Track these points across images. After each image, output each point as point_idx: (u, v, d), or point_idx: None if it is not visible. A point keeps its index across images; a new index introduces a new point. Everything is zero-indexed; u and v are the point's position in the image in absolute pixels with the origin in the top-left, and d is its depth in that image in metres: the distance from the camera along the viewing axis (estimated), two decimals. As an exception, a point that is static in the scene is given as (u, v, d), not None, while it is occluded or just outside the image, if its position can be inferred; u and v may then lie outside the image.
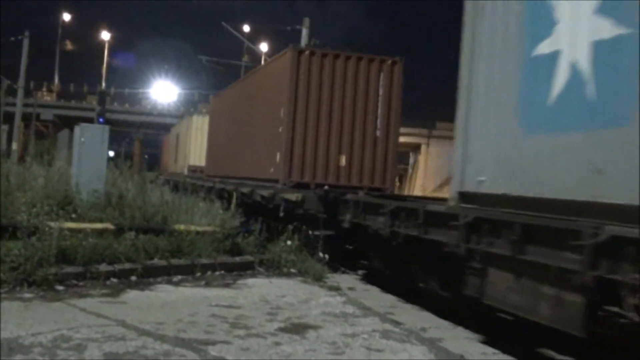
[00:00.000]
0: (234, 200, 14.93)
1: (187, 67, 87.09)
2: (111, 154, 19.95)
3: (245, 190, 16.07)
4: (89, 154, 12.43)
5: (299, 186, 13.97)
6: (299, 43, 28.66)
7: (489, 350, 7.13)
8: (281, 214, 13.11)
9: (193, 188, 18.95)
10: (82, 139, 12.60)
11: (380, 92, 14.63)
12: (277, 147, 14.81)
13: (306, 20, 31.81)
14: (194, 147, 32.25)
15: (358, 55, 14.76)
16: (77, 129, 13.01)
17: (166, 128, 53.32)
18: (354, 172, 14.49)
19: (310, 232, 12.66)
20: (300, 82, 14.44)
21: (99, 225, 9.99)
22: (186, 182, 21.95)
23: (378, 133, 14.62)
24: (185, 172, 31.72)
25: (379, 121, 14.64)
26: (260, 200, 14.71)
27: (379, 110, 14.64)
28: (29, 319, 6.55)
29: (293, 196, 12.87)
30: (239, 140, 19.67)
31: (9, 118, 49.91)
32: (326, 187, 13.25)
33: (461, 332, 7.95)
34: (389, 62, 14.74)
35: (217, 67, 56.92)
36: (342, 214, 11.87)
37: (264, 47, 61.82)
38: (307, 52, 14.74)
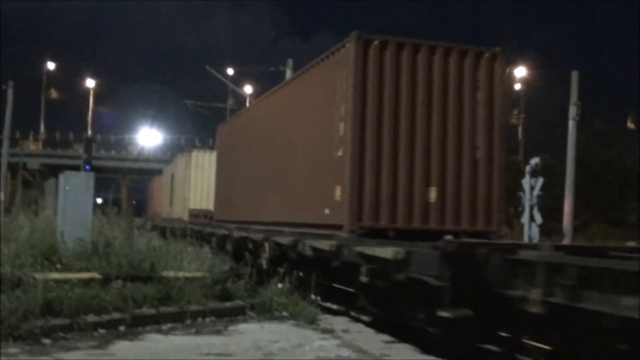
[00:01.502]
0: (266, 255, 13.27)
1: (173, 112, 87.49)
2: (99, 201, 19.85)
3: (284, 241, 12.52)
4: (74, 202, 12.27)
5: (372, 234, 10.37)
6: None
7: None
8: (363, 279, 9.37)
9: (199, 237, 18.14)
10: (67, 187, 12.46)
11: (478, 96, 11.12)
12: (336, 178, 11.07)
13: (289, 61, 31.88)
14: (194, 187, 28.11)
15: (446, 46, 11.14)
16: (61, 177, 12.87)
17: (153, 173, 53.17)
18: (448, 210, 10.88)
19: (300, 274, 12.27)
20: (368, 85, 10.79)
21: (85, 275, 9.81)
22: (190, 230, 20.84)
23: (478, 154, 11.02)
24: (186, 217, 27.81)
25: (478, 137, 11.05)
26: (313, 255, 11.28)
27: (478, 122, 11.06)
28: (14, 375, 6.35)
29: (387, 253, 8.57)
30: (268, 173, 15.51)
31: (-6, 168, 49.66)
32: (448, 237, 7.99)
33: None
34: (488, 54, 11.22)
35: (202, 111, 56.98)
36: (516, 286, 7.23)
37: (248, 89, 61.99)
38: (376, 43, 10.89)
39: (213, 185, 24.48)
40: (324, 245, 10.56)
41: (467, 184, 10.92)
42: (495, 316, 7.90)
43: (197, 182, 27.90)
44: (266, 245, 13.43)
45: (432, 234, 9.66)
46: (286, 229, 13.18)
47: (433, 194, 10.73)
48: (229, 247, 16.68)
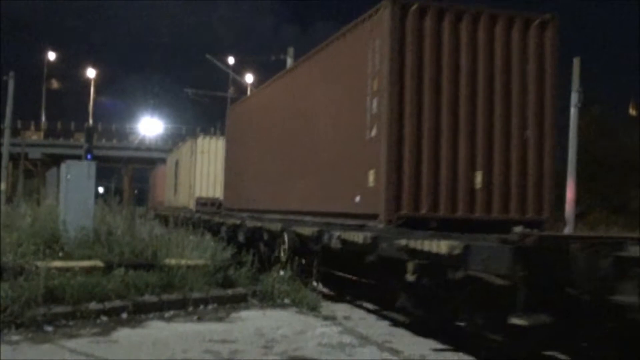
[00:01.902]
0: (284, 247, 12.24)
1: (174, 101, 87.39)
2: (101, 190, 19.82)
3: (306, 231, 11.32)
4: (75, 191, 12.27)
5: (411, 224, 9.29)
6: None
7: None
8: (409, 277, 7.96)
9: (207, 226, 17.35)
10: (68, 176, 12.45)
11: (529, 68, 9.97)
12: (368, 161, 9.88)
13: (290, 50, 31.77)
14: (200, 175, 26.96)
15: (491, 12, 10.00)
16: (62, 167, 12.87)
17: (154, 162, 53.16)
18: (496, 196, 9.75)
19: (302, 261, 12.32)
20: (406, 56, 9.62)
21: (87, 263, 9.81)
22: (198, 220, 19.39)
23: (528, 134, 9.91)
24: (192, 206, 26.78)
25: (528, 115, 9.93)
26: (341, 248, 10.06)
27: (528, 99, 9.91)
28: (17, 362, 6.36)
29: (440, 247, 7.26)
30: (286, 158, 14.13)
31: (-4, 158, 49.69)
32: (519, 229, 6.70)
33: (463, 357, 7.79)
34: (537, 22, 10.05)
35: (202, 100, 56.94)
36: (624, 290, 6.01)
37: (249, 78, 61.97)
38: (415, 8, 9.72)
39: (220, 172, 23.75)
40: (357, 237, 9.22)
41: (516, 167, 9.77)
42: (581, 323, 6.74)
43: (203, 169, 26.86)
44: (285, 236, 12.30)
45: (478, 224, 8.99)
46: (307, 219, 12.25)
47: (479, 178, 9.63)
48: (241, 237, 15.69)
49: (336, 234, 10.10)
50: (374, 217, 9.66)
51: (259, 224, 14.44)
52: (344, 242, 9.82)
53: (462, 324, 7.96)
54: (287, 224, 12.68)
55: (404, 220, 9.40)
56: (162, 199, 39.64)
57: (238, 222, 16.27)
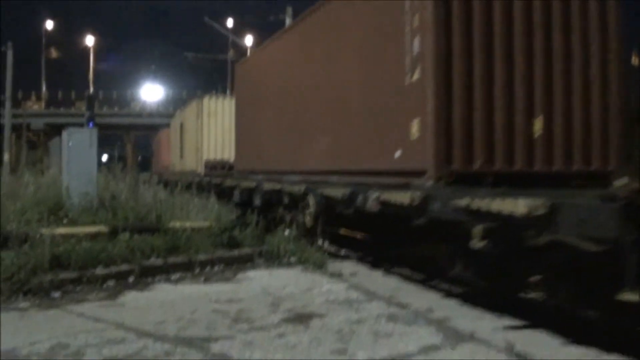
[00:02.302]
0: (310, 211, 11.44)
1: (174, 67, 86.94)
2: (105, 158, 19.82)
3: (337, 193, 10.14)
4: (78, 158, 12.24)
5: (464, 180, 7.85)
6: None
7: (501, 325, 6.97)
8: (477, 245, 6.81)
9: (218, 190, 17.19)
10: (70, 143, 12.43)
11: None
12: (410, 110, 8.39)
13: (289, 9, 31.53)
14: (208, 137, 25.71)
15: None
16: (64, 134, 12.84)
17: (156, 128, 53.03)
18: (557, 146, 8.30)
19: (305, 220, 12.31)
20: None
21: (92, 229, 9.80)
22: (207, 184, 19.24)
23: (591, 73, 8.37)
24: (200, 169, 25.42)
25: (591, 52, 8.37)
26: (380, 211, 8.97)
27: (590, 32, 8.37)
28: (25, 328, 6.37)
29: (518, 207, 6.17)
30: (308, 113, 12.40)
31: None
32: (622, 182, 6.07)
33: (469, 311, 7.79)
34: None
35: (203, 64, 56.66)
36: None
37: (249, 40, 61.56)
38: None
39: (229, 133, 22.75)
40: (402, 197, 8.11)
41: (578, 112, 8.37)
42: None
43: (210, 131, 25.73)
44: (310, 199, 11.40)
45: (537, 178, 7.98)
46: (333, 179, 10.90)
47: (538, 126, 8.23)
48: (257, 201, 14.68)
49: (374, 194, 9.03)
50: (419, 174, 8.21)
51: (278, 186, 13.31)
52: (384, 204, 8.74)
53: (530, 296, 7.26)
54: (311, 186, 11.61)
55: (456, 175, 7.97)
56: (167, 164, 38.27)
57: (253, 184, 15.17)
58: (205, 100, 26.19)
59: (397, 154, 8.81)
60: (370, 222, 10.61)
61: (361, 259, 11.74)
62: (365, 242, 12.51)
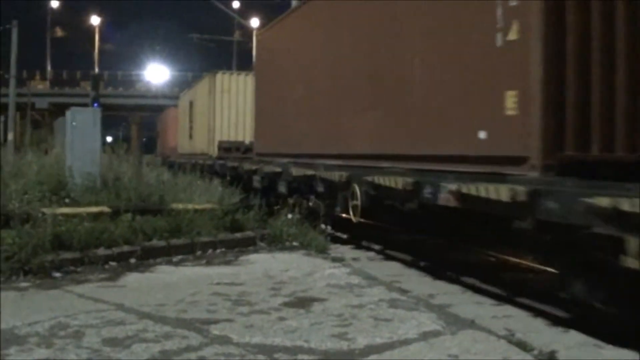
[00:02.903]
0: (356, 203, 9.92)
1: (179, 47, 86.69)
2: (109, 139, 19.81)
3: (393, 183, 8.47)
4: (81, 138, 12.22)
5: (577, 170, 5.87)
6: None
7: (501, 312, 6.97)
8: (629, 262, 5.00)
9: (235, 175, 16.21)
10: (74, 123, 12.40)
11: None
12: (504, 78, 6.68)
13: (296, -9, 31.33)
14: (221, 116, 24.01)
15: None
16: (68, 114, 12.80)
17: (161, 110, 52.99)
18: None
19: (310, 204, 12.18)
20: None
21: (94, 209, 9.79)
22: (222, 167, 18.68)
23: None
24: (212, 151, 23.69)
25: None
26: (459, 206, 7.21)
27: None
28: (25, 308, 6.36)
29: None
30: (349, 85, 10.73)
31: (4, 109, 49.65)
32: None
33: (470, 297, 7.80)
34: None
35: (208, 45, 56.52)
36: None
37: (255, 22, 61.37)
38: None
39: (245, 112, 22.53)
40: (497, 192, 6.34)
41: None
42: None
43: (223, 110, 24.09)
44: (356, 188, 9.89)
45: None
46: (384, 165, 9.22)
47: None
48: (282, 188, 13.57)
49: (448, 186, 7.30)
50: (515, 160, 6.44)
51: (310, 172, 11.87)
52: (465, 198, 6.99)
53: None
54: (356, 172, 10.10)
55: (567, 161, 6.08)
56: (174, 146, 37.26)
57: (278, 169, 13.72)
58: (219, 75, 24.50)
59: (481, 135, 7.05)
60: (440, 221, 9.10)
61: (362, 244, 11.75)
62: (369, 228, 12.50)
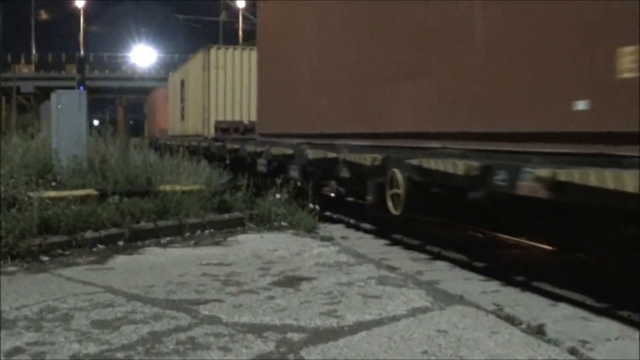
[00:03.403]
0: (399, 191, 8.07)
1: (165, 29, 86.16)
2: (96, 122, 19.61)
3: (454, 167, 6.77)
4: (67, 121, 12.13)
5: None
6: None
7: (489, 288, 7.01)
8: None
9: (236, 158, 15.50)
10: (59, 106, 12.31)
11: None
12: (615, 30, 5.00)
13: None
14: (216, 94, 22.39)
15: None
16: (53, 97, 12.72)
17: (147, 92, 52.74)
18: None
19: (297, 183, 12.13)
20: None
21: (81, 192, 9.75)
22: (220, 150, 17.44)
23: None
24: (208, 132, 22.10)
25: None
26: (551, 197, 5.64)
27: None
28: (13, 292, 6.33)
29: None
30: (382, 48, 8.92)
31: (-12, 93, 49.43)
32: None
33: (459, 273, 7.83)
34: None
35: (194, 25, 56.23)
36: None
37: (241, 3, 61.07)
38: None
39: (241, 89, 21.55)
40: (624, 181, 4.74)
41: None
42: None
43: (219, 87, 22.45)
44: (397, 174, 8.10)
45: None
46: (433, 145, 7.50)
47: None
48: (293, 172, 12.20)
49: (535, 171, 5.72)
50: (630, 138, 4.85)
51: (331, 155, 10.26)
52: (561, 187, 5.42)
53: None
54: (394, 155, 8.37)
55: None
56: (163, 127, 35.77)
57: (289, 151, 12.11)
58: (213, 50, 22.87)
59: (580, 105, 5.47)
60: (516, 215, 7.85)
61: (350, 223, 11.76)
62: (357, 206, 12.51)
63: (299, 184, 11.98)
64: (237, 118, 21.70)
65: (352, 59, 9.98)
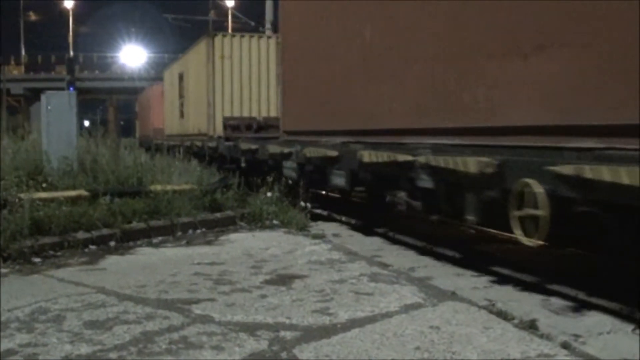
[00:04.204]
0: (542, 212, 5.38)
1: (154, 29, 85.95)
2: (87, 123, 19.47)
3: None
4: (57, 122, 12.11)
5: None
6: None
7: (481, 283, 7.02)
8: None
9: (252, 160, 13.71)
10: (49, 107, 12.28)
11: None
12: None
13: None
14: (221, 87, 19.86)
15: None
16: (43, 98, 12.68)
17: (138, 92, 52.59)
18: None
19: (289, 182, 12.05)
20: None
21: (72, 193, 9.73)
22: (232, 150, 15.31)
23: None
24: (213, 131, 19.60)
25: None
26: None
27: None
28: (5, 294, 6.31)
29: None
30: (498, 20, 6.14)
31: (-22, 95, 49.27)
32: None
33: (450, 269, 7.83)
34: None
35: (183, 24, 56.11)
36: None
37: (230, 2, 60.94)
38: None
39: (250, 81, 19.40)
40: None
41: None
42: None
43: (225, 80, 19.91)
44: (535, 187, 5.47)
45: None
46: (589, 144, 5.01)
47: None
48: (338, 180, 9.98)
49: None
50: None
51: (403, 157, 7.61)
52: None
53: None
54: (517, 158, 5.85)
55: None
56: (157, 127, 33.60)
57: (332, 152, 9.67)
58: (218, 38, 20.26)
59: None
60: None
61: (342, 220, 11.76)
62: (348, 204, 12.51)
63: (290, 182, 11.93)
64: (251, 113, 19.58)
65: (438, 29, 7.23)
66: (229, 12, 51.85)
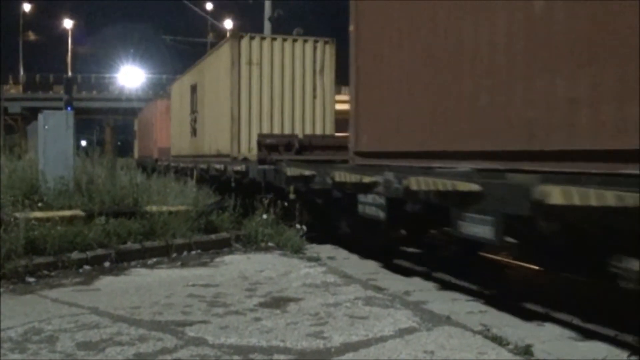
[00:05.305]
0: None
1: (153, 50, 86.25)
2: (84, 143, 19.47)
3: None
4: (54, 141, 12.11)
5: None
6: (263, 16, 28.01)
7: (476, 308, 7.01)
8: None
9: (307, 192, 11.16)
10: (46, 127, 12.29)
11: None
12: None
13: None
14: (248, 100, 16.56)
15: None
16: (40, 117, 12.69)
17: (135, 113, 52.57)
18: None
19: (285, 203, 11.99)
20: None
21: (67, 213, 9.71)
22: (272, 176, 12.58)
23: None
24: (239, 151, 16.44)
25: None
26: None
27: None
28: (-2, 314, 6.29)
29: None
30: None
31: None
32: None
33: (447, 294, 7.83)
34: None
35: (181, 46, 56.26)
36: None
37: (228, 24, 61.22)
38: None
39: (284, 93, 16.57)
40: None
41: None
42: None
43: (252, 90, 16.64)
44: None
45: None
46: None
47: None
48: (478, 230, 6.17)
49: None
50: None
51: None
52: None
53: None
54: None
55: None
56: (164, 146, 29.81)
57: (473, 187, 6.12)
58: (245, 41, 16.80)
59: None
60: None
61: (337, 244, 11.74)
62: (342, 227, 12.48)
63: (285, 204, 11.87)
64: (276, 130, 16.50)
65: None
66: (227, 34, 52.09)
